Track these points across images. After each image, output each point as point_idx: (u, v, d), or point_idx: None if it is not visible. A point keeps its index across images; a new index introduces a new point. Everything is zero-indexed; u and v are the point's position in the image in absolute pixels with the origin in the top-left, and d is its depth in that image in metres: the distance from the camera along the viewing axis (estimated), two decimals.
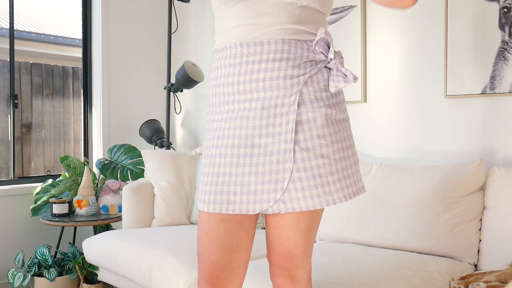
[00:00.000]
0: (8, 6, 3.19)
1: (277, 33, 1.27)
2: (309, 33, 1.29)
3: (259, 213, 1.32)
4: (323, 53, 1.29)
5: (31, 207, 3.11)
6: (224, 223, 1.30)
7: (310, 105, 1.26)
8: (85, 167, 3.05)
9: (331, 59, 1.29)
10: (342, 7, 2.74)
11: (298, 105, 1.26)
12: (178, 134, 3.80)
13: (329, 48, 1.29)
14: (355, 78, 1.28)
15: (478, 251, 2.03)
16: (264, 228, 2.69)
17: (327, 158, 1.25)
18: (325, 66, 1.30)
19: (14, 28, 3.23)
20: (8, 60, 3.17)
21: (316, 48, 1.28)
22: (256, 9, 1.28)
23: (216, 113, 1.34)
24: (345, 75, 1.28)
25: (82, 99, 3.57)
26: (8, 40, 3.17)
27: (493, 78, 2.20)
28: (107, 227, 3.13)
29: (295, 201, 1.25)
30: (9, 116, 3.19)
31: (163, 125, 3.78)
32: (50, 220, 2.86)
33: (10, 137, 3.19)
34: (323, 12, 1.34)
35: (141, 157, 3.21)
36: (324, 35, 1.27)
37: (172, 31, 3.64)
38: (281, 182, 1.24)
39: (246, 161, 1.27)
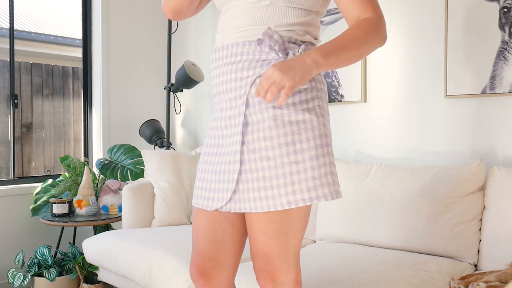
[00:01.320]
0: (8, 6, 3.19)
1: (237, 36, 1.29)
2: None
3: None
4: (275, 52, 1.24)
5: (31, 207, 3.11)
6: (208, 214, 1.36)
7: (259, 106, 1.25)
8: (85, 167, 3.05)
9: (284, 57, 1.24)
10: None
11: (247, 106, 1.26)
12: (178, 134, 3.80)
13: (279, 45, 1.23)
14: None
15: (478, 251, 2.03)
16: None
17: (273, 161, 1.22)
18: None
19: (14, 28, 3.23)
20: (8, 60, 3.17)
21: (262, 47, 1.25)
22: (227, 14, 1.33)
23: (212, 113, 1.43)
24: None
25: (82, 99, 3.57)
26: (8, 40, 3.17)
27: (493, 78, 2.20)
28: (107, 227, 3.13)
29: (242, 202, 1.26)
30: (9, 116, 3.19)
31: (163, 125, 3.78)
32: (50, 220, 2.86)
33: (10, 137, 3.19)
34: (300, 8, 1.28)
35: (141, 157, 3.21)
36: (262, 35, 1.21)
37: (172, 31, 3.64)
38: (231, 183, 1.27)
39: (212, 160, 1.34)
